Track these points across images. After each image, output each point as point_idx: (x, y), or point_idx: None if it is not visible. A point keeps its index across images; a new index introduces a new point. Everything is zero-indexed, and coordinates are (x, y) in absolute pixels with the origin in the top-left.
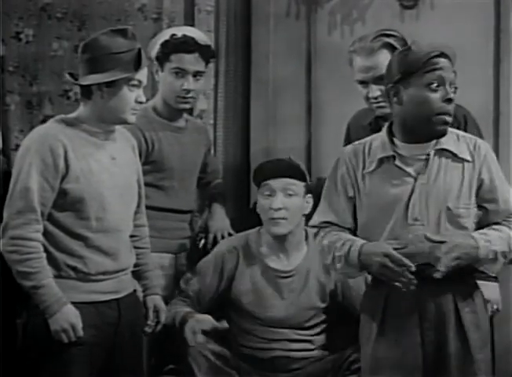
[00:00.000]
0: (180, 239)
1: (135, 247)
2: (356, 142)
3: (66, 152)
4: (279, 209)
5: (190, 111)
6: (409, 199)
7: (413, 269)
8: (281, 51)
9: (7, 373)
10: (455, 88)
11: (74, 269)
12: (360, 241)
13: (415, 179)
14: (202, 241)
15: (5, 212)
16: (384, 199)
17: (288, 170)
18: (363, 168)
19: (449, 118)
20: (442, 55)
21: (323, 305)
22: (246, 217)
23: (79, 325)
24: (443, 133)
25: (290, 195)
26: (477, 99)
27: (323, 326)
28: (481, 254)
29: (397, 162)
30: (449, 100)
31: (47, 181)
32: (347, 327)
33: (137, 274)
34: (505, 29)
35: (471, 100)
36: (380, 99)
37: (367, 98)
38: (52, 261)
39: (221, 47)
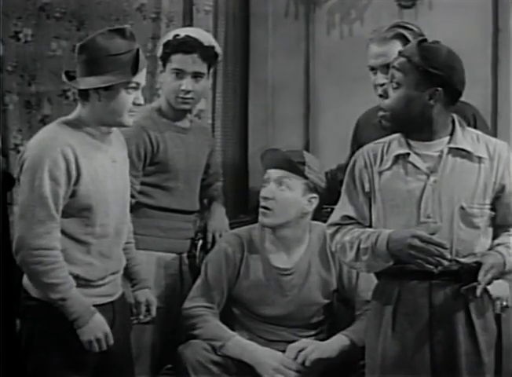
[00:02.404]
0: (185, 240)
1: None
2: (376, 141)
3: (76, 158)
4: (267, 198)
5: (189, 111)
6: (421, 196)
7: (446, 246)
8: (280, 51)
9: (6, 373)
10: (399, 84)
11: (76, 277)
12: (387, 230)
13: (428, 176)
14: (201, 241)
15: (20, 221)
16: (397, 195)
17: (289, 163)
18: (380, 165)
19: (381, 113)
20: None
21: (325, 302)
22: (244, 218)
23: (110, 332)
24: (382, 129)
25: (283, 187)
26: (476, 99)
27: (324, 327)
28: (507, 268)
29: (411, 159)
30: (380, 96)
31: (60, 187)
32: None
33: (126, 270)
34: (503, 29)
35: (469, 100)
36: (385, 87)
37: (375, 86)
38: None
39: (220, 47)
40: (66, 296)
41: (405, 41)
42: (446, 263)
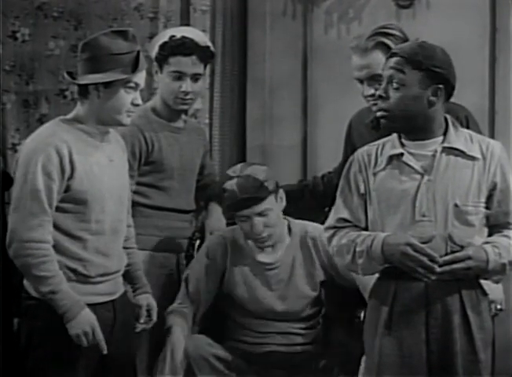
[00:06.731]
0: (182, 239)
1: (124, 248)
2: (371, 143)
3: (71, 154)
4: (262, 232)
5: (185, 111)
6: (416, 195)
7: (437, 259)
8: (277, 50)
9: (4, 372)
10: (400, 84)
11: (74, 271)
12: (382, 234)
13: (422, 175)
14: (198, 241)
15: (13, 215)
16: (392, 195)
17: (256, 198)
18: (375, 167)
19: (381, 113)
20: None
21: (314, 294)
22: None
23: (98, 327)
24: (382, 129)
25: (265, 215)
26: (473, 98)
27: (317, 319)
28: (490, 267)
29: (405, 159)
30: (379, 97)
31: (54, 181)
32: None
33: (127, 274)
34: (500, 28)
35: (467, 99)
36: (375, 97)
37: (364, 96)
38: None
39: (218, 46)
40: (56, 289)
41: (386, 49)
42: (433, 277)
